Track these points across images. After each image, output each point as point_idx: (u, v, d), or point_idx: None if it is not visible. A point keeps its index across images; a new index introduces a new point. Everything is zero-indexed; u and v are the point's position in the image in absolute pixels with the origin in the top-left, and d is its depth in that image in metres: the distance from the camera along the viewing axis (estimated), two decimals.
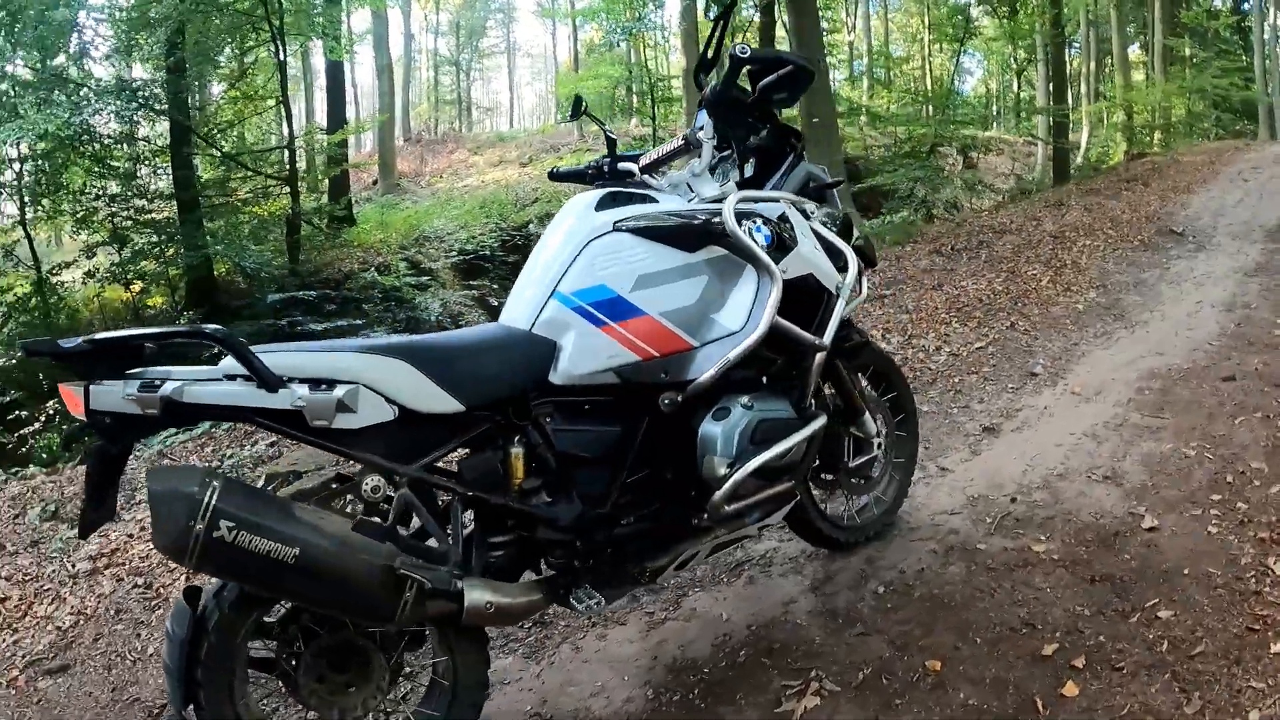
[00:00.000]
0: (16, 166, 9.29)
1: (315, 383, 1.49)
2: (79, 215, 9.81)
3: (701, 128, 1.95)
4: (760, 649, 2.06)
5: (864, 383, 2.50)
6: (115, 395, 1.40)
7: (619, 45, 17.34)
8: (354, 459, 1.58)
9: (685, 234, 1.78)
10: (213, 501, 1.38)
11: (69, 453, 7.02)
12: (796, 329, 1.85)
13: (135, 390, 1.40)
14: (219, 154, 11.02)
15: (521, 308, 1.78)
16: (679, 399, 1.78)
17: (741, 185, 2.04)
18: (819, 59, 8.32)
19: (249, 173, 11.29)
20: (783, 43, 10.67)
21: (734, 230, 1.75)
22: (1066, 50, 16.76)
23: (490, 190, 17.20)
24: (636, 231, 1.78)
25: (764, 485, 1.82)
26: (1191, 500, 2.50)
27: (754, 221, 1.84)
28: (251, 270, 9.75)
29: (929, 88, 17.84)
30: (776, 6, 10.37)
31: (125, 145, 10.05)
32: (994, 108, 25.72)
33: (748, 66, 1.89)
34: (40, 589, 3.21)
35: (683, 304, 1.76)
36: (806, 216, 2.00)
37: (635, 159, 2.14)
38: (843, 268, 1.98)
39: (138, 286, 10.26)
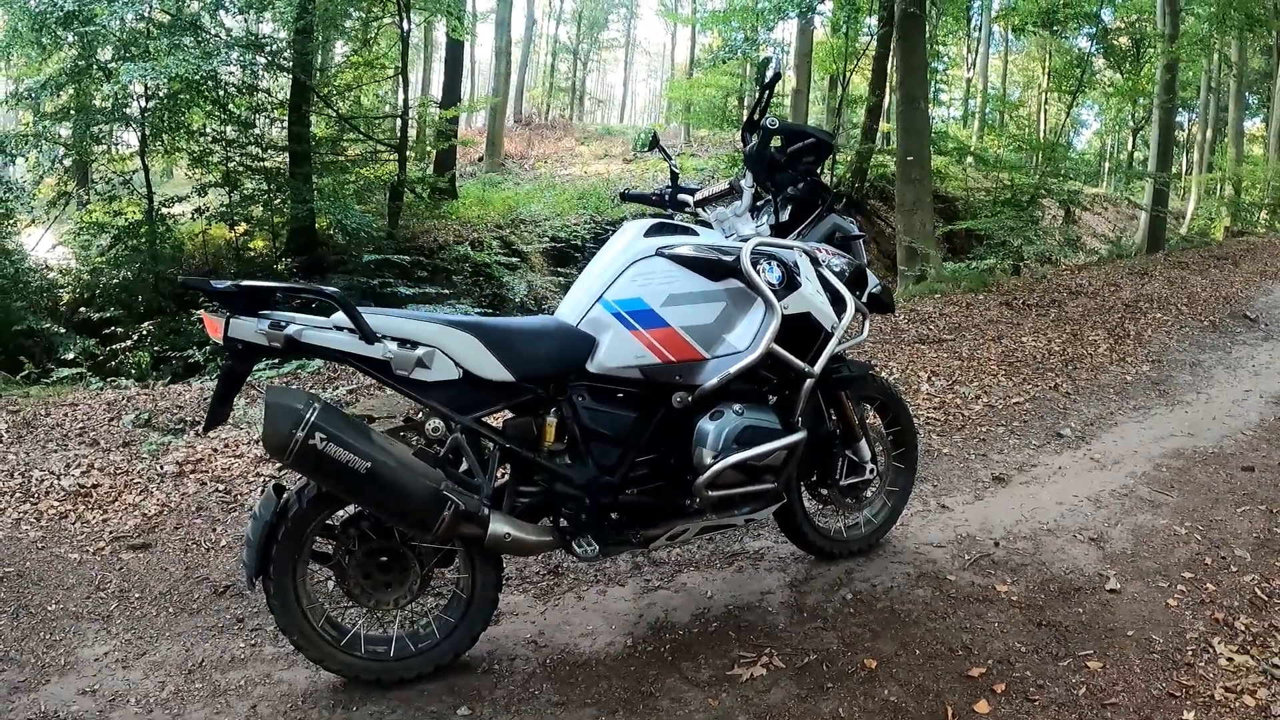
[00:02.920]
0: (141, 102, 9.70)
1: (402, 342, 1.92)
2: (195, 154, 10.32)
3: (744, 177, 2.29)
4: (730, 625, 2.38)
5: (872, 415, 2.79)
6: (249, 328, 1.83)
7: (727, 60, 17.50)
8: (423, 404, 2.01)
9: (711, 265, 2.13)
10: (313, 417, 1.80)
11: (157, 371, 7.76)
12: (791, 356, 2.17)
13: (266, 327, 1.83)
14: (335, 115, 11.59)
15: (573, 306, 2.16)
16: (688, 399, 2.13)
17: (775, 230, 2.36)
18: (921, 96, 8.44)
19: (361, 136, 11.78)
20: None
21: (746, 269, 2.10)
22: (1186, 116, 16.13)
23: (591, 182, 17.52)
24: (673, 258, 2.14)
25: (744, 480, 2.15)
26: (1163, 573, 2.68)
27: (770, 262, 2.16)
28: (351, 229, 10.21)
29: (1041, 136, 17.48)
30: (893, 39, 10.49)
31: (247, 95, 10.53)
32: (1105, 164, 24.92)
33: (777, 136, 2.21)
34: (130, 481, 3.64)
35: (701, 322, 2.11)
36: (817, 264, 2.30)
37: (692, 192, 2.49)
38: (842, 311, 2.27)
39: (242, 229, 10.78)
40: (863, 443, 2.59)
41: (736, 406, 2.13)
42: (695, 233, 2.24)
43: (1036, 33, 14.99)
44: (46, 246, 11.03)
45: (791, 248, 2.25)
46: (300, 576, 2.03)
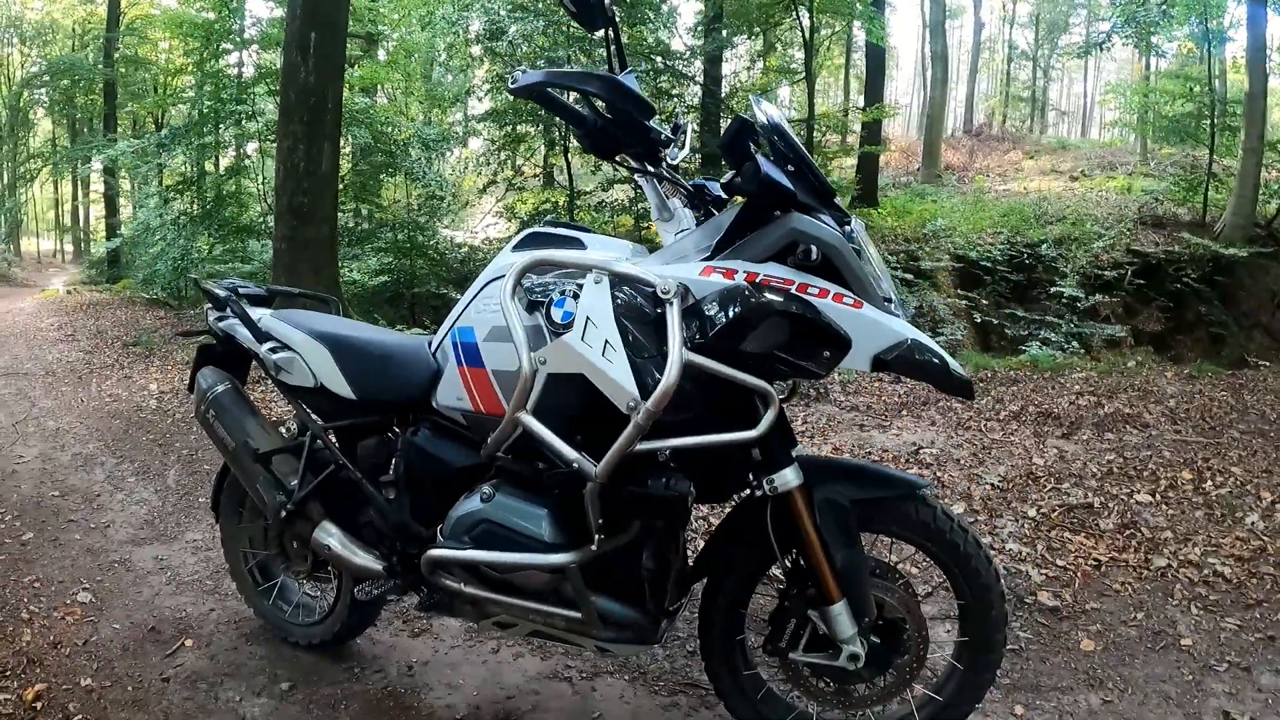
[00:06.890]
0: None
1: (279, 345, 1.98)
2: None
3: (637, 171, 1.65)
4: None
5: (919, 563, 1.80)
6: (212, 319, 2.14)
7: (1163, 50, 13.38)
8: (291, 404, 2.05)
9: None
10: (210, 394, 2.07)
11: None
12: (553, 438, 1.49)
13: (214, 319, 2.13)
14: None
15: (441, 328, 1.84)
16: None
17: (724, 239, 1.56)
18: None
19: None
20: None
21: (504, 299, 1.50)
22: None
23: (1027, 199, 15.35)
24: None
25: (482, 586, 1.67)
26: None
27: (567, 293, 1.54)
28: None
29: None
30: None
31: (656, 100, 11.36)
32: None
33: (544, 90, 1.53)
34: None
35: (510, 367, 1.60)
36: (664, 297, 1.44)
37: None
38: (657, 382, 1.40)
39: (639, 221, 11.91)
40: (838, 607, 1.59)
41: (488, 488, 1.62)
42: (582, 245, 1.65)
43: None
44: (476, 227, 13.58)
45: (590, 266, 1.50)
46: (240, 519, 2.31)
